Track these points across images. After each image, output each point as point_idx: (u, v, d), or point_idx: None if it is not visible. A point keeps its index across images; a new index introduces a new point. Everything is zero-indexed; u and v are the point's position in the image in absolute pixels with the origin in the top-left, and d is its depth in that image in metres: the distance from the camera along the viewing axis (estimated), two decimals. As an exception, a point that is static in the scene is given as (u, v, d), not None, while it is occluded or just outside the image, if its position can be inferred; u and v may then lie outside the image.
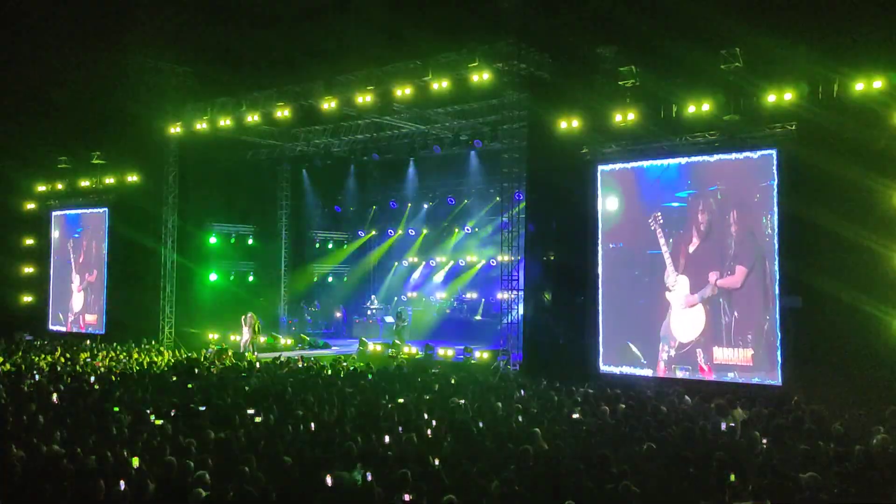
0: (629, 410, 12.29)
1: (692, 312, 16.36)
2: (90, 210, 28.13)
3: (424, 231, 30.24)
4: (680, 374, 16.30)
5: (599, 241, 17.68)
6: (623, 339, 17.24)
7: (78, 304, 28.63)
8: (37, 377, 15.96)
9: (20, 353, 20.70)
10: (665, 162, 16.99)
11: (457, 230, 29.21)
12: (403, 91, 19.35)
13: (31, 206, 30.16)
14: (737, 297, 15.81)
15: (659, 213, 16.83)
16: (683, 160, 16.75)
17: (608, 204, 17.69)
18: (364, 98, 20.10)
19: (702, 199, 16.35)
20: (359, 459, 8.71)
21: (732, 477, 8.06)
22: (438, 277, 30.31)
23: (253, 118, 22.61)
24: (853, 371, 13.90)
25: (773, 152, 15.55)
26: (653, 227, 16.87)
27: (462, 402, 12.67)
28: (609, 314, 17.51)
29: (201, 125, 23.71)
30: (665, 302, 16.70)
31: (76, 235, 28.94)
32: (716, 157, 16.34)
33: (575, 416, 11.84)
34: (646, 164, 17.26)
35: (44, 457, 8.85)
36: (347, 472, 8.17)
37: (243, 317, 23.90)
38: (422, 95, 19.68)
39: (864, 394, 12.89)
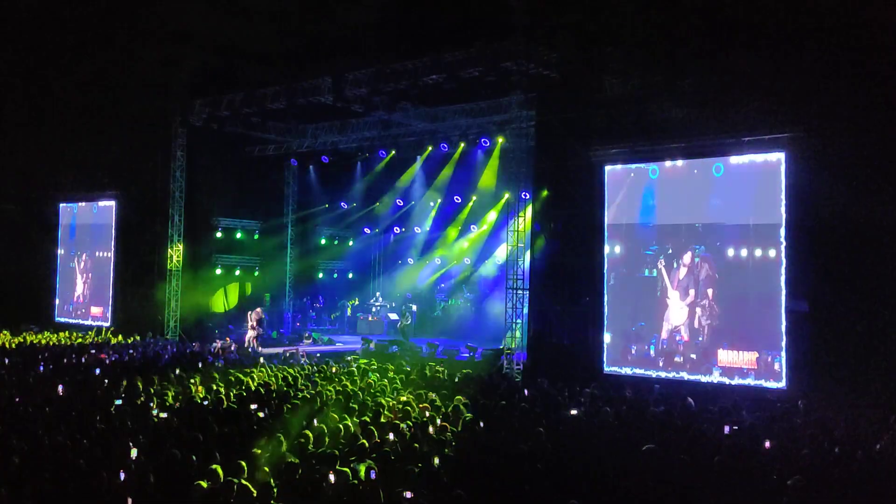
0: (632, 411, 12.26)
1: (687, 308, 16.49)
2: (97, 203, 28.20)
3: (430, 229, 30.22)
4: (684, 376, 16.27)
5: (605, 242, 17.65)
6: (626, 340, 17.24)
7: (84, 296, 28.72)
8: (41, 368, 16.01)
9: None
10: (672, 163, 16.95)
11: (463, 229, 29.17)
12: (411, 88, 19.33)
13: (38, 197, 30.21)
14: (741, 300, 15.77)
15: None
16: (690, 161, 16.70)
17: (614, 204, 17.65)
18: (372, 95, 20.09)
19: (708, 202, 16.32)
20: (362, 456, 8.72)
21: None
22: (444, 276, 30.30)
23: (260, 113, 22.62)
24: (859, 377, 13.84)
25: (783, 155, 15.47)
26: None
27: (465, 401, 12.65)
28: (614, 314, 17.49)
29: (209, 120, 23.73)
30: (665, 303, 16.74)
31: (83, 227, 29.02)
32: (724, 159, 16.27)
33: (573, 412, 11.85)
34: (652, 165, 17.21)
35: (47, 448, 8.87)
36: (349, 468, 8.17)
37: (248, 312, 23.99)
38: (429, 93, 19.64)
39: (870, 400, 12.83)
